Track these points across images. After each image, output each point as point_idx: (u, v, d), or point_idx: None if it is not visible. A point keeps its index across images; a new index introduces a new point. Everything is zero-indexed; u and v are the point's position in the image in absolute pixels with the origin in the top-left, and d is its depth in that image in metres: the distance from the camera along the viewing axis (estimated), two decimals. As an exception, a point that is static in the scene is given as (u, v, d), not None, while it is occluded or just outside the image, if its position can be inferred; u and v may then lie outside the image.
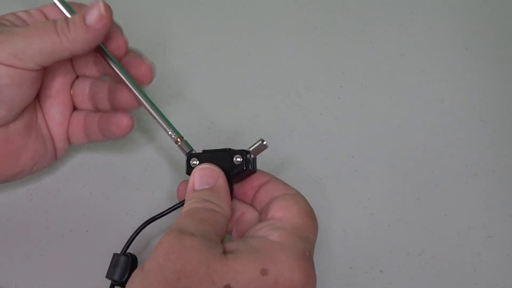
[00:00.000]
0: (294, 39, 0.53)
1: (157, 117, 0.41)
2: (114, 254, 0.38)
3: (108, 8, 0.40)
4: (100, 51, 0.42)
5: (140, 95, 0.42)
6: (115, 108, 0.43)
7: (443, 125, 0.49)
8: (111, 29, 0.42)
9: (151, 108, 0.41)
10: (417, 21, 0.54)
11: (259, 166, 0.47)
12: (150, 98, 0.42)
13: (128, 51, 0.43)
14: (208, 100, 0.50)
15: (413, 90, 0.51)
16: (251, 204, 0.39)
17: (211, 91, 0.51)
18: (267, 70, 0.52)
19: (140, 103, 0.42)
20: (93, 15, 0.39)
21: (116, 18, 0.43)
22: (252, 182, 0.39)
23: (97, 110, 0.44)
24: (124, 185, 0.47)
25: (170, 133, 0.41)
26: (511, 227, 0.45)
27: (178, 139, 0.41)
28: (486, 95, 0.51)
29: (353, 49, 0.53)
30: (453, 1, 0.55)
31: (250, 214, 0.39)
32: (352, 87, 0.51)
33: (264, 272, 0.31)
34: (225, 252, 0.33)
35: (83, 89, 0.44)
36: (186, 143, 0.41)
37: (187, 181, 0.39)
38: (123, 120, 0.42)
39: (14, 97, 0.39)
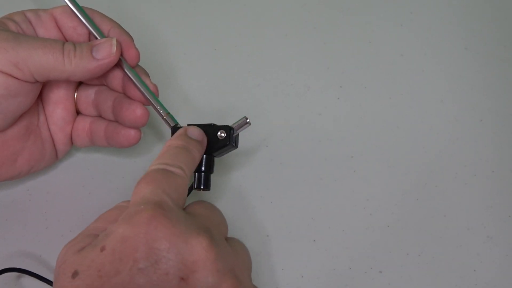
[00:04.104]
0: (294, 39, 0.53)
1: (146, 94, 0.42)
2: None
3: (119, 47, 0.40)
4: None
5: (130, 72, 0.42)
6: (119, 122, 0.43)
7: (443, 125, 0.49)
8: (123, 39, 0.42)
9: (142, 86, 0.42)
10: (417, 21, 0.54)
11: (259, 165, 0.47)
12: (141, 78, 0.42)
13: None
14: (208, 100, 0.50)
15: (412, 90, 0.51)
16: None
17: (211, 91, 0.51)
18: (267, 70, 0.52)
19: (135, 86, 0.42)
20: (103, 50, 0.40)
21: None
22: None
23: (101, 117, 0.44)
24: (123, 185, 0.47)
25: (158, 108, 0.42)
26: (510, 227, 0.45)
27: (164, 114, 0.42)
28: (486, 95, 0.51)
29: (352, 49, 0.53)
30: (453, 1, 0.55)
31: None
32: (352, 87, 0.51)
33: (102, 248, 0.32)
34: None
35: (87, 96, 0.44)
36: (171, 117, 0.42)
37: None
38: (131, 132, 0.43)
39: (8, 107, 0.39)
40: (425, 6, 0.55)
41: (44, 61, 0.38)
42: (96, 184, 0.47)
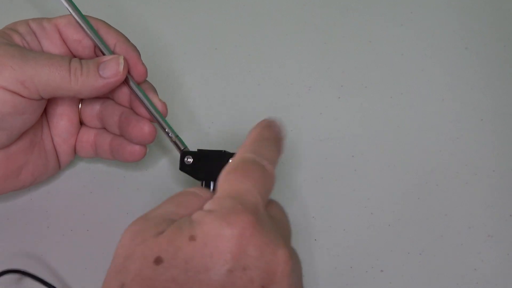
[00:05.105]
0: (294, 39, 0.53)
1: (155, 114, 0.41)
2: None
3: (126, 65, 0.40)
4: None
5: (138, 91, 0.41)
6: (126, 138, 0.42)
7: (443, 124, 0.49)
8: (130, 56, 0.41)
9: (150, 106, 0.41)
10: (417, 21, 0.54)
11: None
12: (148, 97, 0.42)
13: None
14: (208, 100, 0.50)
15: (413, 89, 0.51)
16: None
17: (211, 91, 0.51)
18: (267, 69, 0.52)
19: (143, 105, 0.41)
20: (110, 69, 0.39)
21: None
22: None
23: (106, 130, 0.44)
24: (124, 185, 0.47)
25: (167, 130, 0.42)
26: (511, 226, 0.45)
27: (173, 136, 0.42)
28: (486, 95, 0.51)
29: (353, 49, 0.53)
30: (453, 1, 0.55)
31: None
32: (352, 87, 0.51)
33: (192, 238, 0.30)
34: None
35: (92, 109, 0.44)
36: (180, 140, 0.42)
37: None
38: (136, 148, 0.42)
39: (15, 124, 0.38)
40: (425, 6, 0.55)
41: (51, 79, 0.37)
42: (97, 183, 0.47)
